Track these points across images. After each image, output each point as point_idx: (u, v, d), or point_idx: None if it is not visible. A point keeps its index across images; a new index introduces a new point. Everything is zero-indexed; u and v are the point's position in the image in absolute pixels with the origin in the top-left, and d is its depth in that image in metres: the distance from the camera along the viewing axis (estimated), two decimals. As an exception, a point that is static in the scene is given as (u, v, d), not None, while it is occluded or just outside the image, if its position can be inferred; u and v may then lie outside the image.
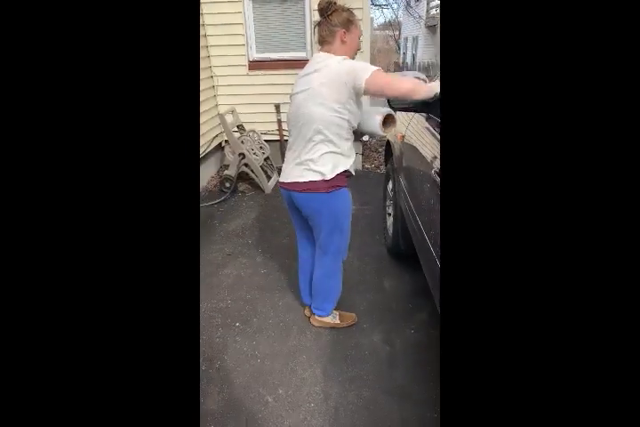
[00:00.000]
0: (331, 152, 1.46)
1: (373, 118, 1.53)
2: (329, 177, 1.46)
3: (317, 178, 1.47)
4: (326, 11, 1.44)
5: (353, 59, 1.52)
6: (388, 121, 1.56)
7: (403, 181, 2.02)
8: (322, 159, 1.46)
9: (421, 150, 1.67)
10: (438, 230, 1.32)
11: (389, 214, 2.61)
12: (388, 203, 2.66)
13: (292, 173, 1.53)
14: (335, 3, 1.45)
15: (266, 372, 1.64)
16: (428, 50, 13.30)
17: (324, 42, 1.47)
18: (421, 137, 1.76)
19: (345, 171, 1.52)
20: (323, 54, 1.47)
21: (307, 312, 1.97)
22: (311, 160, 1.47)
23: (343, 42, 1.45)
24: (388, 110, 1.54)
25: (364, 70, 1.35)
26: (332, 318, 1.90)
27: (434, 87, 1.38)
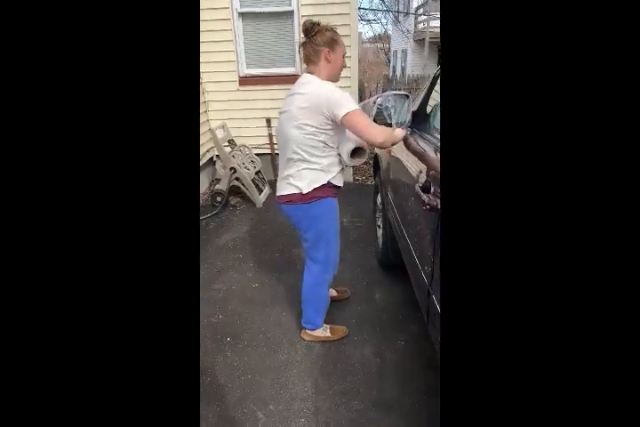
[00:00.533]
0: (307, 168, 1.54)
1: (346, 145, 1.58)
2: (305, 191, 1.55)
3: (296, 191, 1.57)
4: (310, 31, 1.49)
5: (338, 75, 1.58)
6: (358, 152, 1.60)
7: (390, 194, 2.05)
8: (299, 175, 1.55)
9: (406, 163, 1.70)
10: (424, 243, 1.35)
11: (379, 226, 2.64)
12: (377, 215, 2.69)
13: (279, 186, 1.65)
14: (319, 24, 1.50)
15: (256, 387, 1.64)
16: (416, 63, 13.54)
17: (309, 61, 1.52)
18: (407, 151, 1.80)
19: (328, 183, 1.57)
20: (308, 76, 1.52)
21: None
22: (291, 175, 1.57)
23: (327, 61, 1.50)
24: (359, 142, 1.56)
25: (340, 108, 1.38)
26: (323, 332, 1.91)
27: (398, 135, 1.50)
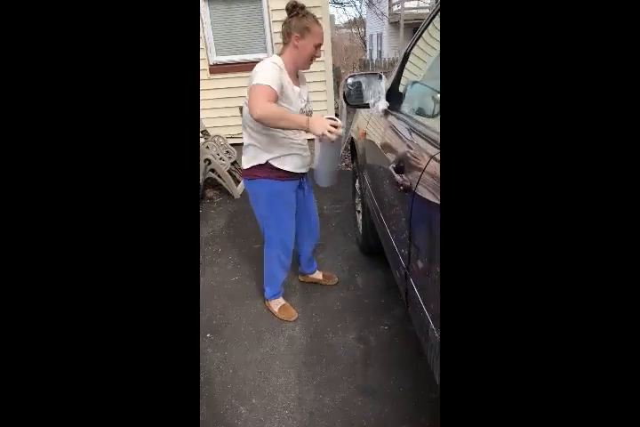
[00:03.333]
0: (250, 144, 1.60)
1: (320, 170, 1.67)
2: (245, 167, 1.64)
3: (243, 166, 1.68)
4: (290, 13, 1.48)
5: (305, 63, 1.55)
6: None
7: (367, 178, 2.00)
8: (246, 150, 1.64)
9: (380, 146, 1.65)
10: (400, 226, 1.31)
11: (358, 212, 2.60)
12: (356, 200, 2.65)
13: None
14: (302, 8, 1.48)
15: (239, 382, 1.60)
16: (392, 46, 13.41)
17: (282, 41, 1.53)
18: (380, 133, 1.75)
19: (268, 164, 1.59)
20: (272, 57, 1.51)
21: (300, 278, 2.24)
22: (243, 148, 1.67)
23: (295, 46, 1.49)
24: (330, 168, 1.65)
25: (252, 80, 1.37)
26: (274, 306, 2.00)
27: (296, 119, 1.38)
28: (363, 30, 18.15)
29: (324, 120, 1.36)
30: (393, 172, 1.28)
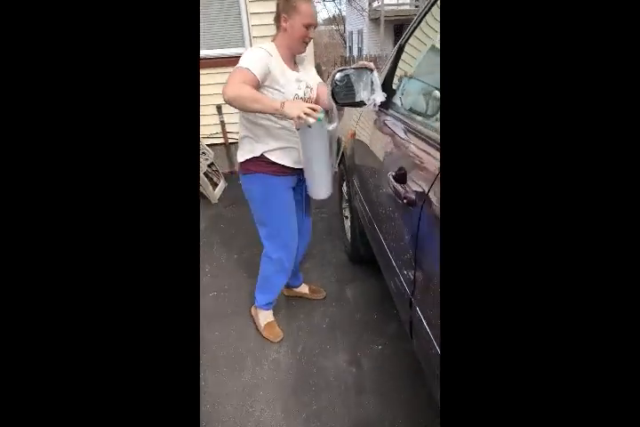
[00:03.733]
0: (245, 136, 1.51)
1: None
2: (239, 160, 1.55)
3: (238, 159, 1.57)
4: None
5: (298, 47, 1.42)
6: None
7: (357, 183, 1.83)
8: (241, 143, 1.54)
9: (373, 148, 1.48)
10: (402, 244, 1.14)
11: (346, 217, 2.43)
12: (344, 205, 2.48)
13: None
14: None
15: (217, 417, 1.41)
16: (373, 42, 13.29)
17: (275, 26, 1.44)
18: (373, 134, 1.58)
19: (262, 157, 1.49)
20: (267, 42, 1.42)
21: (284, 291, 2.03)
22: (239, 141, 1.57)
23: (285, 29, 1.38)
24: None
25: (239, 62, 1.30)
26: (263, 319, 1.83)
27: (262, 100, 1.25)
28: (342, 27, 18.01)
29: (300, 102, 1.24)
30: (392, 181, 1.11)
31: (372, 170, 1.49)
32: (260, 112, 1.33)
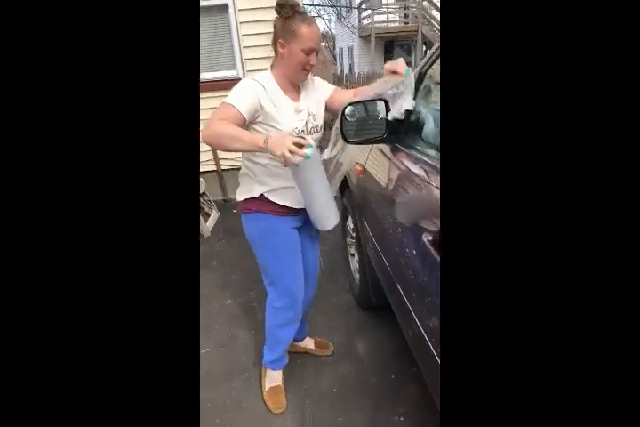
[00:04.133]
0: (245, 174, 1.38)
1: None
2: (239, 199, 1.41)
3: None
4: (278, 12, 1.19)
5: (297, 76, 1.24)
6: None
7: (370, 230, 1.61)
8: (241, 180, 1.41)
9: (395, 196, 1.27)
10: (433, 315, 0.92)
11: (352, 255, 2.21)
12: (349, 241, 2.26)
13: None
14: (293, 6, 1.16)
15: None
16: (363, 59, 13.32)
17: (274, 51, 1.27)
18: (391, 175, 1.37)
19: (262, 197, 1.32)
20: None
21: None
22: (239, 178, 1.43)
23: (282, 56, 1.21)
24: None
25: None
26: (268, 382, 1.60)
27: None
28: (332, 44, 18.14)
29: (284, 138, 1.04)
30: (429, 246, 0.89)
31: (392, 223, 1.27)
32: (243, 151, 1.22)
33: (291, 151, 1.00)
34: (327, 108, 1.37)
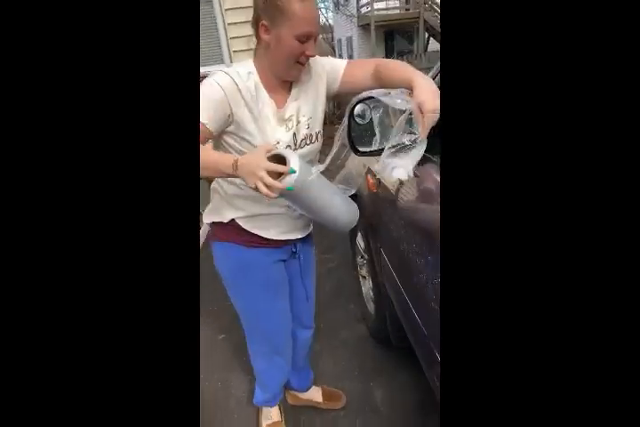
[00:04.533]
0: (215, 190, 1.05)
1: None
2: (205, 221, 1.08)
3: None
4: None
5: (285, 69, 0.88)
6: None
7: (388, 259, 1.27)
8: (212, 196, 1.08)
9: (428, 225, 0.94)
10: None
11: (363, 277, 1.88)
12: (359, 261, 1.92)
13: None
14: None
15: None
16: (363, 50, 12.89)
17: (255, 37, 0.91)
18: (414, 198, 1.04)
19: (233, 222, 1.00)
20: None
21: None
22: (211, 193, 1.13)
23: (266, 44, 0.85)
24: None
25: None
26: (263, 421, 1.38)
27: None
28: (330, 35, 17.71)
29: (257, 163, 0.76)
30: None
31: (417, 251, 0.94)
32: (214, 177, 0.97)
33: (265, 184, 0.74)
34: (344, 92, 0.99)
